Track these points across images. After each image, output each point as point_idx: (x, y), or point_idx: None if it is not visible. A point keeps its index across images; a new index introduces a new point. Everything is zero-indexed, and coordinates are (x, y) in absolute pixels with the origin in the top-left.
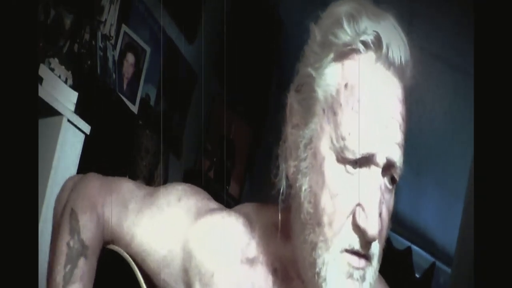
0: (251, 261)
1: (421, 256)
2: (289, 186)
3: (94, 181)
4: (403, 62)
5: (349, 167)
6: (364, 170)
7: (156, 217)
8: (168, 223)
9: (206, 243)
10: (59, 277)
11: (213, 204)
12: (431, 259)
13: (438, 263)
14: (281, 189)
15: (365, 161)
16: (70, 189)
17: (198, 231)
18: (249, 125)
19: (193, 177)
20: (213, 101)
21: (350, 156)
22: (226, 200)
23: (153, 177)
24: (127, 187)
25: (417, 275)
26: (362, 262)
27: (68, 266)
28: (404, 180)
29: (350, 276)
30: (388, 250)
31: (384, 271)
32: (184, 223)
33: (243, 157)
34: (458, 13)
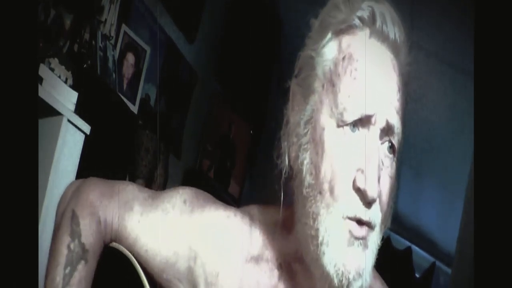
0: (256, 259)
1: (421, 256)
2: (291, 167)
3: (95, 185)
4: (398, 40)
5: (348, 131)
6: (363, 132)
7: (162, 218)
8: (174, 223)
9: (211, 243)
10: (58, 278)
11: (218, 205)
12: (431, 259)
13: (438, 263)
14: (284, 169)
15: (364, 122)
16: (72, 193)
17: (203, 231)
18: (249, 125)
19: (193, 177)
20: (213, 101)
21: (349, 117)
22: (226, 200)
23: (153, 177)
24: (129, 189)
25: (417, 275)
26: (363, 231)
27: (68, 268)
28: (404, 180)
29: (351, 244)
30: (388, 250)
31: (384, 271)
32: (189, 224)
33: (243, 157)
34: (458, 12)
